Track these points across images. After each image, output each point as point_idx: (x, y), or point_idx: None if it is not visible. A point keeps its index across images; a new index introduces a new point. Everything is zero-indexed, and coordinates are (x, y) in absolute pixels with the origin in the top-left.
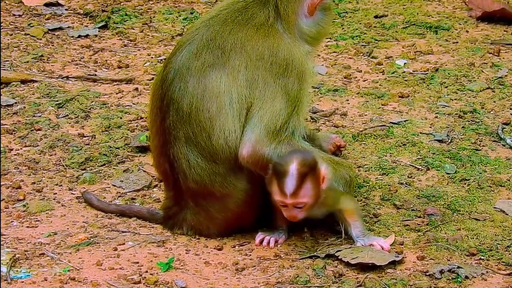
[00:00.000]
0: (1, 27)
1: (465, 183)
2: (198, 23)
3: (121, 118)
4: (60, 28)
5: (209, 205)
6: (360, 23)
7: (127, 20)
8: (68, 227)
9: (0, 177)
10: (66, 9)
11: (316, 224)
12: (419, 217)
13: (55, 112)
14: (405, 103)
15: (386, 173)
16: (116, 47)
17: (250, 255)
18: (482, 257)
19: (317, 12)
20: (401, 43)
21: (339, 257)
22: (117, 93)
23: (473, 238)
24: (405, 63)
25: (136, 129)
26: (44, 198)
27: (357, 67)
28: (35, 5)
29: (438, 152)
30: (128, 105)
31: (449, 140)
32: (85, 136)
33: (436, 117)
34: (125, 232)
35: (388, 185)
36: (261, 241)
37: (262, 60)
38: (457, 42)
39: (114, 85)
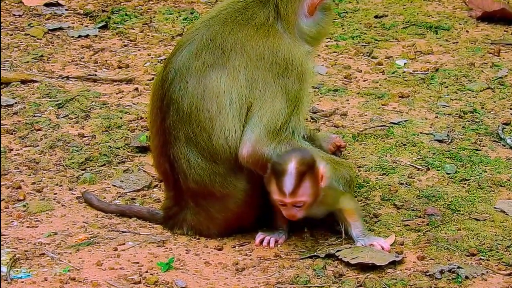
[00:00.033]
0: (1, 27)
1: (465, 183)
2: (198, 23)
3: (121, 118)
4: (60, 28)
5: (209, 205)
6: (360, 23)
7: (127, 20)
8: (68, 227)
9: (0, 177)
10: (66, 9)
11: (316, 224)
12: (419, 217)
13: (55, 112)
14: (405, 103)
15: (386, 173)
16: (116, 47)
17: (250, 255)
18: (482, 257)
19: (317, 12)
20: (401, 43)
21: (339, 257)
22: (117, 93)
23: (473, 238)
24: (405, 63)
25: (136, 129)
26: (44, 198)
27: (357, 67)
28: (35, 5)
29: (438, 152)
30: (128, 105)
31: (449, 140)
32: (85, 136)
33: (436, 117)
34: (125, 232)
35: (388, 185)
36: (261, 241)
37: (262, 60)
38: (457, 42)
39: (114, 85)
